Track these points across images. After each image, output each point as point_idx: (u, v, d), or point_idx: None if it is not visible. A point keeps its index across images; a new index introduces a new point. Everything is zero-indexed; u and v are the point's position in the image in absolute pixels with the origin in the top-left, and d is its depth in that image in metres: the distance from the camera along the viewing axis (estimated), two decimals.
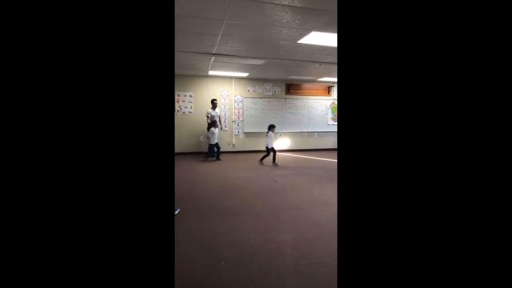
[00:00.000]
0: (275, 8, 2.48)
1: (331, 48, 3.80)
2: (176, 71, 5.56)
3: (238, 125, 7.13)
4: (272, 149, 5.53)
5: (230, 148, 7.00)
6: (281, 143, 7.47)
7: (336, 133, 7.91)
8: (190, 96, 6.67)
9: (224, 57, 4.49)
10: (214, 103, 6.05)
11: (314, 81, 7.33)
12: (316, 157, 6.65)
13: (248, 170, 4.97)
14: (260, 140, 7.27)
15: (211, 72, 6.09)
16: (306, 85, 7.49)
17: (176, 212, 2.73)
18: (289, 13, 2.59)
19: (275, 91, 7.30)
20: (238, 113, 7.11)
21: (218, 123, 6.04)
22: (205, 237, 2.23)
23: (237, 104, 7.08)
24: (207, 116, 6.01)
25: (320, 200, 3.25)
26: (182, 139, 6.48)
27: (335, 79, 7.17)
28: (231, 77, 6.82)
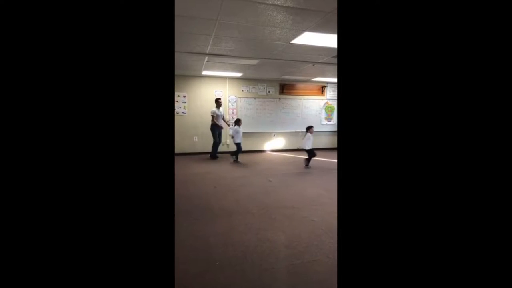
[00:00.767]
0: (268, 8, 2.49)
1: (324, 48, 3.82)
2: None
3: (232, 125, 7.11)
4: (311, 151, 5.17)
5: (224, 148, 6.98)
6: (275, 143, 7.50)
7: (329, 133, 7.97)
8: (184, 96, 6.63)
9: (218, 57, 4.47)
10: (218, 102, 6.08)
11: (307, 81, 7.36)
12: None
13: (242, 170, 4.96)
14: (255, 140, 7.28)
15: (204, 72, 6.06)
16: (300, 85, 7.51)
17: None
18: (282, 13, 2.60)
19: (269, 91, 7.30)
20: (233, 113, 7.09)
21: (222, 122, 6.08)
22: (200, 237, 2.23)
23: (232, 104, 7.06)
24: (212, 116, 6.01)
25: (313, 199, 3.27)
26: (175, 140, 6.44)
27: (328, 79, 7.21)
28: (225, 77, 6.80)
